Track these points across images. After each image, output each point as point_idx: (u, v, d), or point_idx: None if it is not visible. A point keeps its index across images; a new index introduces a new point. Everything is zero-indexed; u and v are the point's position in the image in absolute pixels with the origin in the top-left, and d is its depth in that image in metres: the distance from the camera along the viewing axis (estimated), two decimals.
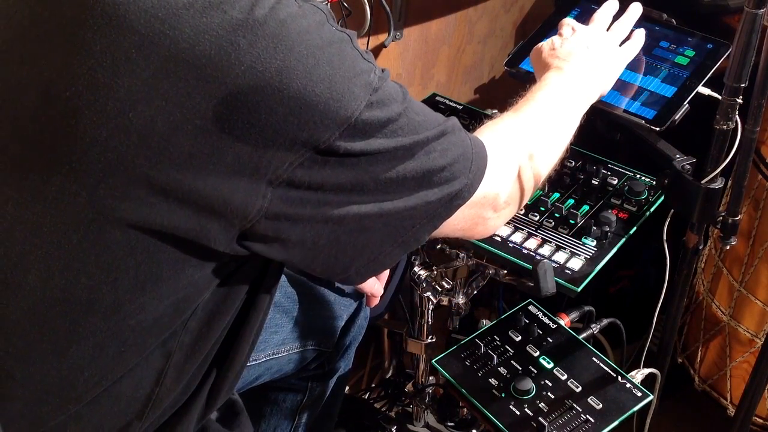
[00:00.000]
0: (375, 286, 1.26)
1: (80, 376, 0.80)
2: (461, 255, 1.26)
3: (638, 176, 1.31)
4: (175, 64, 0.69)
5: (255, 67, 0.70)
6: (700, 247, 1.17)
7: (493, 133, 0.99)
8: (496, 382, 1.13)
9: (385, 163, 0.79)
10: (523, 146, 1.00)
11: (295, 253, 0.81)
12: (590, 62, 1.14)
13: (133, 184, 0.71)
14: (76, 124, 0.70)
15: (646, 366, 1.20)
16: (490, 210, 0.95)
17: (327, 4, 1.36)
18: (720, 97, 1.02)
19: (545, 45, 1.19)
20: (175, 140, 0.70)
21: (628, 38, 1.23)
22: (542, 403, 1.09)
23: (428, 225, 0.86)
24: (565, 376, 1.12)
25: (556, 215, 1.24)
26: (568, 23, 1.22)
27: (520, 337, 1.19)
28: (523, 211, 1.24)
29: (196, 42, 0.69)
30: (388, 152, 0.79)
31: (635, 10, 1.25)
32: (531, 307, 1.24)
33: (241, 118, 0.71)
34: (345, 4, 1.44)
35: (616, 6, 1.26)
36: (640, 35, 1.24)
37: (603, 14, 1.24)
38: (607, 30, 1.22)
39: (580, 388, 1.11)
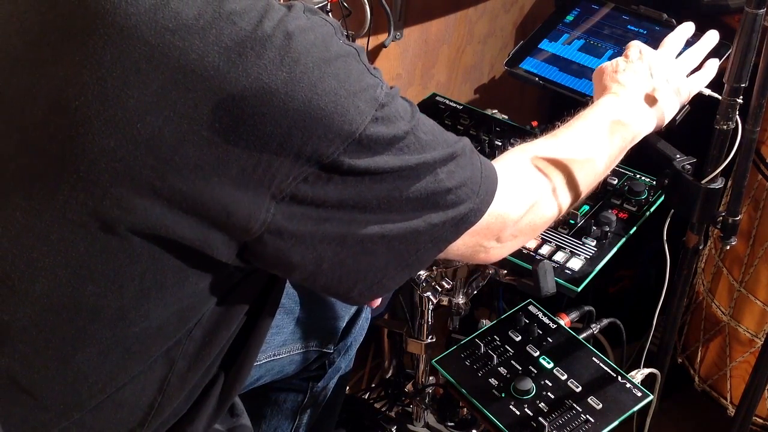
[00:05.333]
0: None
1: (84, 383, 0.81)
2: None
3: (638, 176, 1.31)
4: (184, 75, 0.69)
5: (261, 78, 0.70)
6: (700, 247, 1.17)
7: (517, 158, 0.95)
8: (496, 382, 1.13)
9: (389, 182, 0.78)
10: (546, 180, 0.95)
11: (296, 273, 0.81)
12: (650, 92, 1.08)
13: (139, 194, 0.71)
14: (84, 134, 0.69)
15: (646, 366, 1.20)
16: (492, 240, 0.92)
17: (327, 4, 1.37)
18: (720, 97, 1.02)
19: (609, 66, 1.12)
20: (182, 151, 0.70)
21: (699, 67, 1.15)
22: (542, 403, 1.09)
23: (433, 248, 0.84)
24: (565, 376, 1.12)
25: None
26: (637, 45, 1.14)
27: (520, 337, 1.19)
28: None
29: (205, 53, 0.69)
30: (393, 171, 0.77)
31: (711, 38, 1.17)
32: (531, 307, 1.24)
33: (247, 129, 0.70)
34: (345, 4, 1.44)
35: (692, 30, 1.19)
36: (713, 66, 1.16)
37: (675, 39, 1.16)
38: (678, 56, 1.14)
39: (580, 388, 1.11)
